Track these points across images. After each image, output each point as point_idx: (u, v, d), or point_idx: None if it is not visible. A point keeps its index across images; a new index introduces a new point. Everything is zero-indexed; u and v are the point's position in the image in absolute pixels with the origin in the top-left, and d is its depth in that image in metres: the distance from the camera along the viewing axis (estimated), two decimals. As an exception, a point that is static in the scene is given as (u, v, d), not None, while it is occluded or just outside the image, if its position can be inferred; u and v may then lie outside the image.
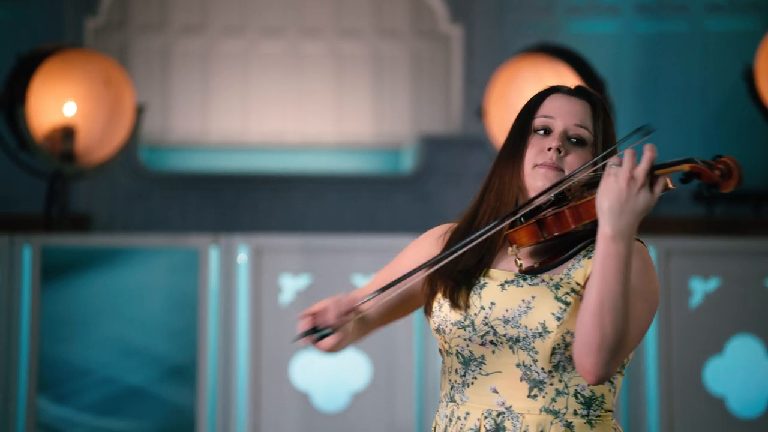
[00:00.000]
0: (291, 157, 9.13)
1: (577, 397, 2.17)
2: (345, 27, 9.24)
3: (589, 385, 2.17)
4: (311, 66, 9.21)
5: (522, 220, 2.20)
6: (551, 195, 2.15)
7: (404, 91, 9.21)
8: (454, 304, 2.20)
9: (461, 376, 2.21)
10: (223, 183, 8.74)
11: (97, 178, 8.10)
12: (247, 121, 9.19)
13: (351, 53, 9.23)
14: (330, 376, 5.37)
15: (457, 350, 2.22)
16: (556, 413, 2.16)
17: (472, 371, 2.20)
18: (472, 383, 2.20)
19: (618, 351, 2.04)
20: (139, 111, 6.33)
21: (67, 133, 6.08)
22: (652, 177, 2.02)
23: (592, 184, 2.16)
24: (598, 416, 2.18)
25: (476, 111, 6.88)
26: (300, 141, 9.19)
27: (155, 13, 9.17)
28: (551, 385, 2.16)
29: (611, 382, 2.20)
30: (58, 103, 6.08)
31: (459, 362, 2.22)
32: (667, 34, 8.77)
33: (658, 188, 2.02)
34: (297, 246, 5.39)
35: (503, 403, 2.17)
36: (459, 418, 2.21)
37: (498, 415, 2.17)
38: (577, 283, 2.17)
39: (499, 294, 2.18)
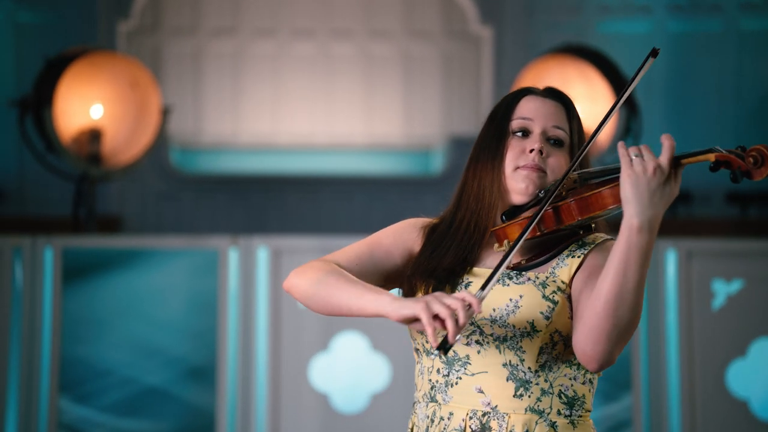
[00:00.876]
0: (320, 158, 9.15)
1: (561, 397, 2.17)
2: (375, 28, 9.24)
3: (572, 386, 2.17)
4: (341, 67, 9.22)
5: (504, 218, 2.21)
6: (551, 193, 2.14)
7: (434, 92, 9.19)
8: None
9: (444, 376, 2.20)
10: (254, 184, 8.77)
11: (128, 179, 8.16)
12: (277, 123, 9.22)
13: (381, 54, 9.23)
14: (349, 377, 5.36)
15: None
16: (540, 413, 2.15)
17: (457, 371, 2.19)
18: (456, 383, 2.19)
19: (623, 340, 2.05)
20: (165, 113, 6.36)
21: (93, 135, 6.12)
22: (676, 167, 2.02)
23: (587, 177, 2.17)
24: (580, 416, 2.19)
25: (502, 112, 6.84)
26: (330, 142, 9.20)
27: (187, 16, 9.22)
28: (537, 384, 2.16)
29: (591, 383, 2.21)
30: (84, 105, 6.13)
31: (442, 362, 2.20)
32: (701, 34, 8.69)
33: (679, 178, 2.02)
34: (316, 247, 5.39)
35: (489, 403, 2.16)
36: (442, 419, 2.19)
37: (483, 415, 2.16)
38: (563, 282, 2.17)
39: None
